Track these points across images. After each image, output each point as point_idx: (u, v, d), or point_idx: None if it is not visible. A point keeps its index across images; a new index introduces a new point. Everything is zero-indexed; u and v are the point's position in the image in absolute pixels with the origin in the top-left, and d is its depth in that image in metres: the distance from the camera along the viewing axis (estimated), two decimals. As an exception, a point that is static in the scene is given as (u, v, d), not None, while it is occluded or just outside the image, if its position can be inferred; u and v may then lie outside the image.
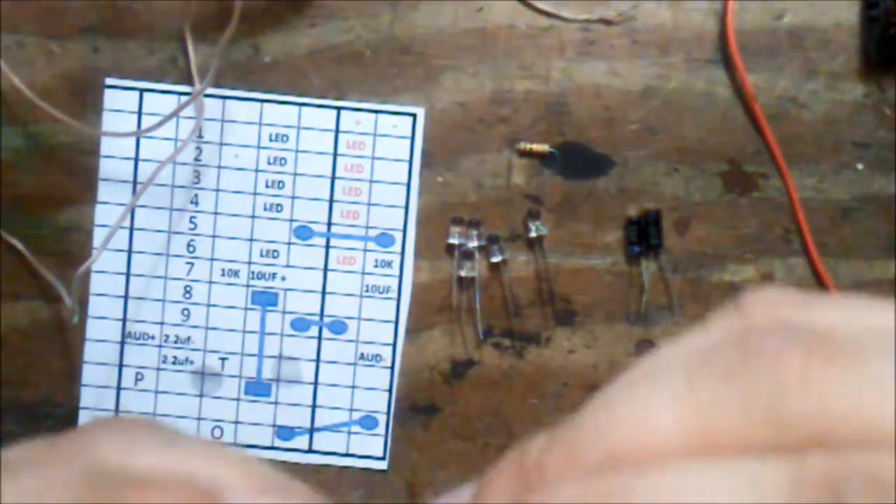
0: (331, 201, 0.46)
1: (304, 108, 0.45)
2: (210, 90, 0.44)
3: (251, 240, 0.46)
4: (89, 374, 0.46)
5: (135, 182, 0.45)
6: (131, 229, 0.46)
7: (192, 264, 0.46)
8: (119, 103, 0.45)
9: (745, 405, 0.13)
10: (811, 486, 0.12)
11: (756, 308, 0.15)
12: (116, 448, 0.17)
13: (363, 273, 0.46)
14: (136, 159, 0.45)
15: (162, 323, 0.46)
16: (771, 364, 0.13)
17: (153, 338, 0.46)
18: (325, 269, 0.46)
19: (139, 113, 0.45)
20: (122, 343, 0.46)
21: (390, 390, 0.46)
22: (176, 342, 0.46)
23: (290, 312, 0.46)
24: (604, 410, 0.15)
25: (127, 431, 0.18)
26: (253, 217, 0.46)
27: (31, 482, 0.15)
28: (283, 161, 0.45)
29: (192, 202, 0.46)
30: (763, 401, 0.13)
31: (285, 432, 0.46)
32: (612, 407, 0.14)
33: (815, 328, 0.14)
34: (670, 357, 0.15)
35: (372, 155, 0.45)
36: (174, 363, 0.46)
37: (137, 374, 0.46)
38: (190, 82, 0.45)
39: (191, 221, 0.46)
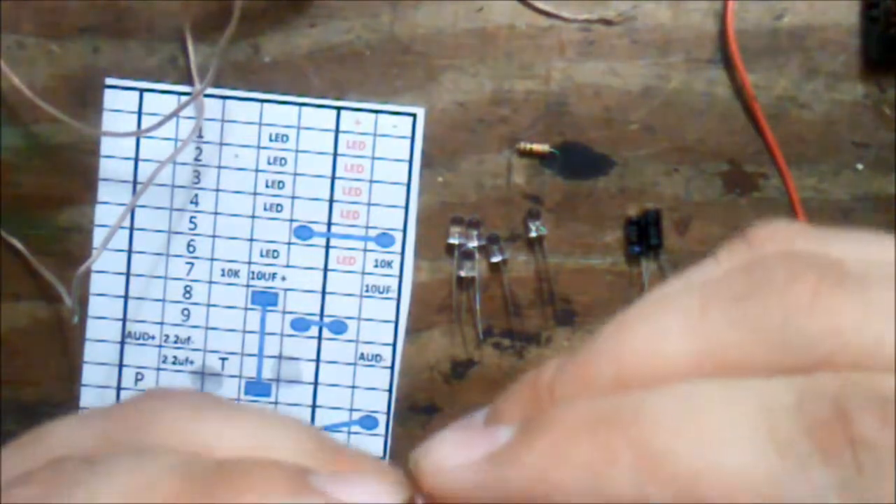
0: (331, 201, 0.46)
1: (304, 108, 0.45)
2: (210, 90, 0.44)
3: (251, 240, 0.46)
4: (89, 374, 0.46)
5: (135, 182, 0.45)
6: (131, 229, 0.46)
7: (192, 264, 0.46)
8: (119, 103, 0.45)
9: (755, 329, 0.14)
10: (815, 402, 0.13)
11: (765, 240, 0.16)
12: (177, 419, 0.17)
13: (363, 273, 0.46)
14: (136, 159, 0.45)
15: (162, 323, 0.46)
16: (781, 290, 0.14)
17: (153, 338, 0.46)
18: (325, 269, 0.46)
19: (139, 113, 0.45)
20: (122, 343, 0.46)
21: (390, 390, 0.46)
22: (176, 342, 0.46)
23: (290, 312, 0.46)
24: (616, 335, 0.15)
25: (182, 402, 0.18)
26: (253, 217, 0.46)
27: (121, 483, 0.15)
28: (283, 161, 0.45)
29: (192, 202, 0.46)
30: (772, 325, 0.14)
31: (285, 432, 0.46)
32: (624, 331, 0.15)
33: (824, 258, 0.14)
34: (682, 286, 0.15)
35: (372, 155, 0.45)
36: (174, 363, 0.46)
37: (137, 374, 0.46)
38: (190, 82, 0.45)
39: (191, 221, 0.46)
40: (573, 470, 0.13)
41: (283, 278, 0.46)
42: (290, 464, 0.16)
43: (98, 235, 0.45)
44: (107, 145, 0.45)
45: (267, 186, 0.45)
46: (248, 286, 0.46)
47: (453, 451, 0.15)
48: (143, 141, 0.45)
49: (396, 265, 0.46)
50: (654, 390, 0.14)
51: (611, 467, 0.13)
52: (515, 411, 0.15)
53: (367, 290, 0.46)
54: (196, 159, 0.45)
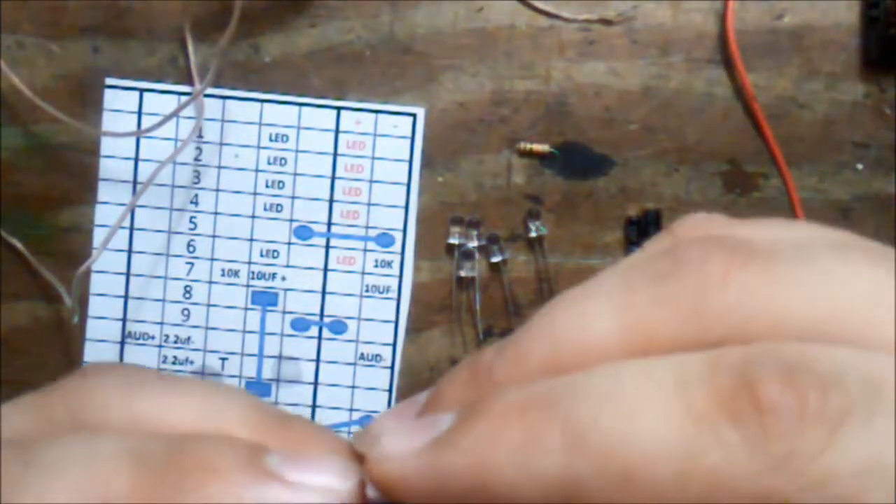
0: (331, 201, 0.46)
1: (304, 108, 0.45)
2: (210, 90, 0.44)
3: (251, 240, 0.46)
4: (89, 374, 0.46)
5: (135, 182, 0.45)
6: (131, 229, 0.46)
7: (192, 264, 0.46)
8: (119, 103, 0.45)
9: (673, 305, 0.15)
10: (724, 373, 0.13)
11: (685, 228, 0.17)
12: (118, 396, 0.17)
13: (363, 273, 0.46)
14: (136, 159, 0.45)
15: (162, 323, 0.46)
16: (695, 268, 0.15)
17: (153, 338, 0.46)
18: (325, 269, 0.46)
19: (139, 113, 0.45)
20: (122, 343, 0.46)
21: (390, 390, 0.46)
22: (176, 342, 0.46)
23: (290, 312, 0.46)
24: (547, 317, 0.16)
25: (121, 378, 0.18)
26: (253, 217, 0.46)
27: (71, 478, 0.15)
28: (283, 161, 0.45)
29: (192, 202, 0.46)
30: (689, 300, 0.15)
31: (285, 432, 0.46)
32: (555, 314, 0.16)
33: (736, 239, 0.15)
34: (608, 272, 0.16)
35: (372, 155, 0.45)
36: (174, 363, 0.46)
37: (137, 374, 0.46)
38: (190, 82, 0.45)
39: (191, 221, 0.46)
40: (506, 452, 0.14)
41: (283, 278, 0.46)
42: (243, 442, 0.16)
43: (98, 235, 0.45)
44: (107, 145, 0.45)
45: (267, 186, 0.45)
46: (248, 286, 0.46)
47: (397, 441, 0.16)
48: (143, 141, 0.45)
49: (396, 265, 0.46)
50: (581, 373, 0.15)
51: (540, 446, 0.14)
52: (456, 396, 0.16)
53: (367, 290, 0.46)
54: (196, 159, 0.45)
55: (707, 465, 0.13)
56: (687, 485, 0.13)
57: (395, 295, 0.46)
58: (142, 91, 0.45)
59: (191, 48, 0.44)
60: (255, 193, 0.46)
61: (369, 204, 0.46)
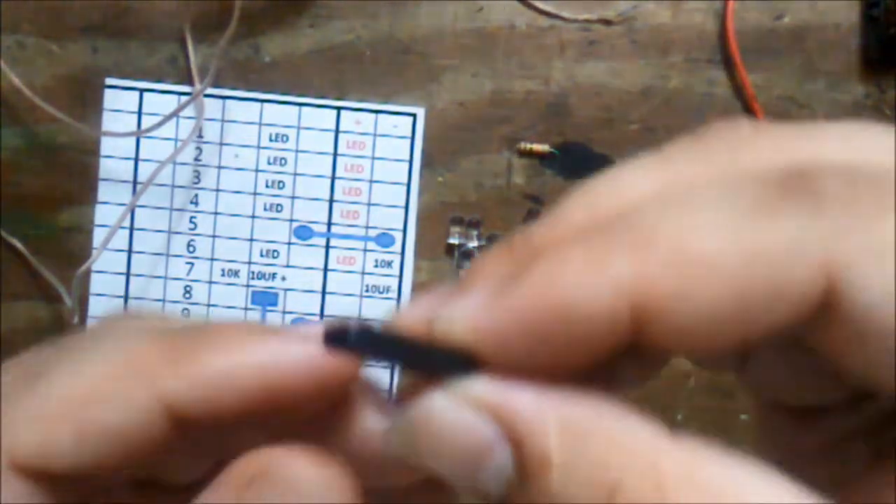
0: (331, 201, 0.46)
1: (304, 108, 0.45)
2: (210, 90, 0.44)
3: (251, 240, 0.46)
4: (89, 374, 0.46)
5: (135, 182, 0.45)
6: (131, 229, 0.46)
7: (192, 264, 0.46)
8: (119, 103, 0.45)
9: (709, 161, 0.16)
10: (773, 172, 0.14)
11: (706, 129, 0.18)
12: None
13: (363, 273, 0.46)
14: (136, 159, 0.45)
15: (162, 323, 0.46)
16: (728, 132, 0.16)
17: (153, 338, 0.46)
18: (325, 269, 0.46)
19: (139, 113, 0.45)
20: (122, 343, 0.46)
21: (390, 390, 0.46)
22: (176, 342, 0.46)
23: (290, 312, 0.46)
24: (585, 189, 0.16)
25: (140, 318, 0.20)
26: (253, 217, 0.46)
27: (101, 351, 0.17)
28: (283, 161, 0.45)
29: (192, 202, 0.46)
30: (723, 156, 0.16)
31: (285, 432, 0.46)
32: (592, 185, 0.16)
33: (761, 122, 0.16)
34: (642, 156, 0.17)
35: (372, 155, 0.45)
36: (174, 363, 0.46)
37: (137, 374, 0.46)
38: (190, 82, 0.45)
39: (191, 221, 0.46)
40: (575, 268, 0.14)
41: (283, 278, 0.46)
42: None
43: (98, 235, 0.45)
44: (107, 145, 0.45)
45: (267, 186, 0.45)
46: (248, 286, 0.46)
47: (460, 305, 0.15)
48: (143, 141, 0.45)
49: (396, 265, 0.46)
50: (627, 216, 0.15)
51: (609, 256, 0.14)
52: (494, 271, 0.16)
53: (367, 290, 0.46)
54: (196, 159, 0.45)
55: (767, 247, 0.14)
56: (752, 271, 0.14)
57: (395, 295, 0.46)
58: (142, 91, 0.45)
59: (191, 48, 0.44)
60: (255, 193, 0.46)
61: (369, 204, 0.46)
